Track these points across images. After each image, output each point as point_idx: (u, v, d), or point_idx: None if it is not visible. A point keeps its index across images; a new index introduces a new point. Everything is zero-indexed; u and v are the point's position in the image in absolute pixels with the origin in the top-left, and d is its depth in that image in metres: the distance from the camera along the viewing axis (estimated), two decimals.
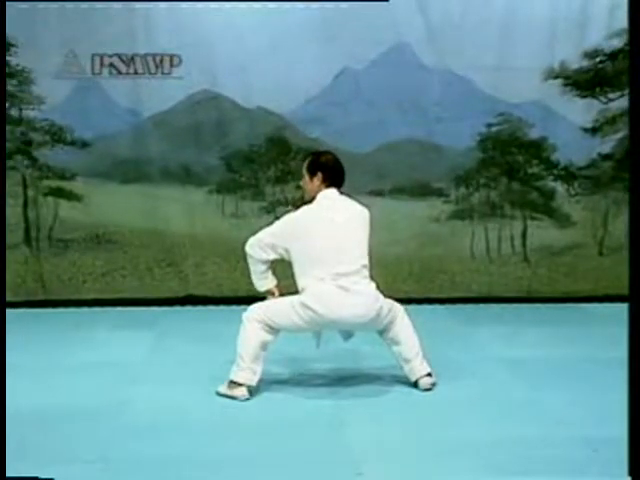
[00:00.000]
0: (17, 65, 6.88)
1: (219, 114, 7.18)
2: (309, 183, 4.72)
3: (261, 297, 4.77)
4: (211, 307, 7.14)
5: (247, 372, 4.51)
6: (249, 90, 7.06)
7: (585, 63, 7.15)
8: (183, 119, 7.16)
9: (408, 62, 7.13)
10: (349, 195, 4.77)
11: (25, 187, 7.14)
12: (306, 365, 5.18)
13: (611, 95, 7.21)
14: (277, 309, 4.56)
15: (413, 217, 7.34)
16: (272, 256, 4.66)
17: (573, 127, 7.25)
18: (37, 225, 7.18)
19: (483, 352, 5.60)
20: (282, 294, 4.71)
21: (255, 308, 4.59)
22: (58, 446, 3.82)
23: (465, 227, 7.39)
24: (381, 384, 4.80)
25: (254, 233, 4.72)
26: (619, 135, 7.18)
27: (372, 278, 4.62)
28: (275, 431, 4.02)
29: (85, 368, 5.15)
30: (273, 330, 4.55)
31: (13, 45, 6.82)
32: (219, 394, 4.56)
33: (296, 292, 4.57)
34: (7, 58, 6.78)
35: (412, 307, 5.10)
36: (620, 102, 7.10)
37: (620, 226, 7.08)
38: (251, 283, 4.78)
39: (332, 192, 4.68)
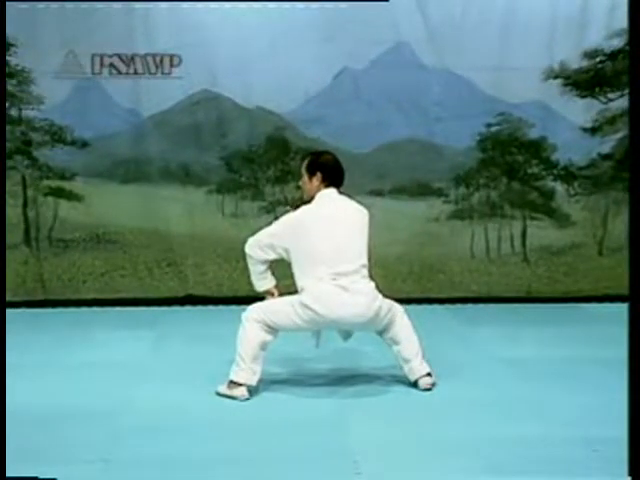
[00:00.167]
0: (17, 65, 6.89)
1: (219, 114, 7.19)
2: (308, 183, 4.71)
3: (261, 297, 4.77)
4: (211, 307, 7.14)
5: (247, 372, 4.51)
6: (249, 90, 7.07)
7: (585, 63, 7.15)
8: (183, 119, 7.17)
9: (408, 62, 7.13)
10: (349, 195, 4.77)
11: (25, 187, 7.14)
12: (306, 365, 5.17)
13: (611, 95, 7.21)
14: (276, 309, 4.56)
15: (413, 217, 7.33)
16: (271, 256, 4.66)
17: (573, 127, 7.25)
18: (37, 225, 7.18)
19: (483, 352, 5.60)
20: (282, 294, 4.71)
21: (254, 308, 4.59)
22: (58, 446, 3.81)
23: (465, 227, 7.38)
24: (381, 384, 4.80)
25: (254, 233, 4.72)
26: (619, 135, 7.18)
27: (372, 278, 4.62)
28: (275, 431, 4.02)
29: (85, 368, 5.15)
30: (272, 330, 4.55)
31: (13, 45, 6.82)
32: (219, 394, 4.56)
33: (296, 292, 4.57)
34: (7, 58, 6.78)
35: (412, 307, 5.10)
36: (620, 102, 7.10)
37: (620, 226, 7.07)
38: (251, 283, 4.79)
39: (331, 192, 4.68)
